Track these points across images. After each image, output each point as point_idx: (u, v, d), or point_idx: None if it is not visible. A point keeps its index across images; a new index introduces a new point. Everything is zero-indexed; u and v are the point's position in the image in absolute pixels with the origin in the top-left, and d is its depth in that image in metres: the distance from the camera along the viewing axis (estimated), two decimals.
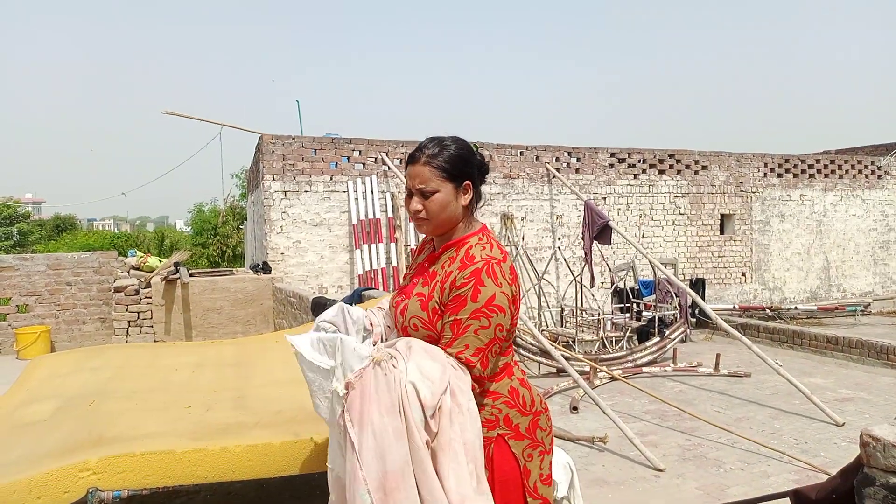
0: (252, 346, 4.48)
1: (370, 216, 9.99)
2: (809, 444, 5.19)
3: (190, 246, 26.05)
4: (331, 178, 10.00)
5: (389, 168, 10.12)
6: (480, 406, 1.78)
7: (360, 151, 10.20)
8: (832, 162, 14.00)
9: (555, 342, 8.39)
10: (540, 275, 10.52)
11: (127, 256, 10.86)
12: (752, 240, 13.02)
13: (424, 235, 2.02)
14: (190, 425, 2.70)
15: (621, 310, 9.99)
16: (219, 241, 25.88)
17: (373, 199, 10.03)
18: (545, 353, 7.30)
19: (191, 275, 9.69)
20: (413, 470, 1.58)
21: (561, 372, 7.26)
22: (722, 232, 12.82)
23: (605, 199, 11.70)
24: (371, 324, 2.03)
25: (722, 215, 12.80)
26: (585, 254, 9.01)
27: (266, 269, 9.74)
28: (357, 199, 9.97)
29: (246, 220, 16.68)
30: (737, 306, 12.10)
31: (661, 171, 12.22)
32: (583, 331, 9.49)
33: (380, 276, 9.86)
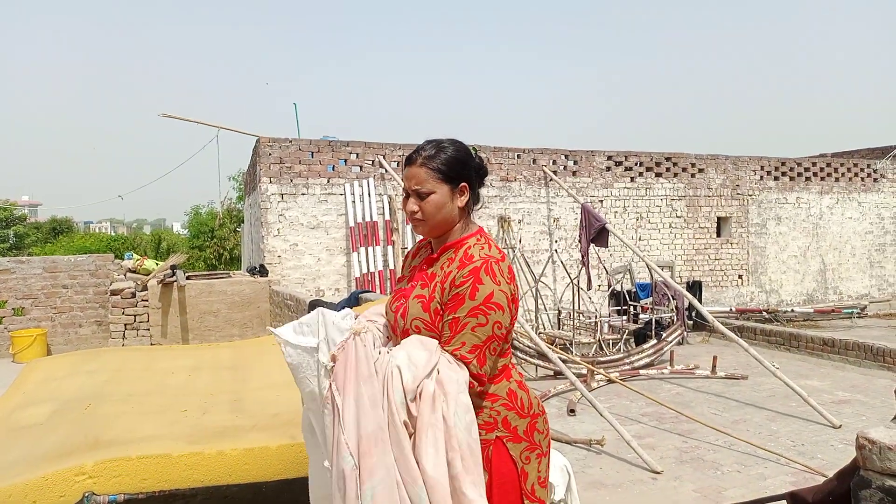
0: (249, 350, 4.47)
1: (367, 219, 9.98)
2: (806, 447, 5.20)
3: (187, 249, 25.99)
4: (328, 181, 10.00)
5: (387, 171, 10.12)
6: (479, 408, 1.79)
7: (357, 154, 10.20)
8: (828, 165, 14.04)
9: (552, 345, 8.39)
10: (537, 277, 10.53)
11: (123, 259, 10.84)
12: (749, 242, 13.04)
13: (421, 238, 2.03)
14: (186, 429, 2.69)
15: (618, 312, 10.00)
16: (216, 243, 25.84)
17: (370, 202, 10.02)
18: (542, 356, 7.30)
19: (187, 278, 9.68)
20: (392, 448, 1.64)
21: (558, 374, 7.27)
22: (718, 235, 12.84)
23: (601, 201, 11.71)
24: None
25: (718, 218, 12.82)
26: (582, 256, 9.02)
27: (263, 271, 9.73)
28: (354, 201, 9.96)
29: (243, 222, 16.67)
30: (733, 309, 12.11)
31: (658, 174, 12.24)
32: (580, 333, 9.50)
33: (377, 279, 9.85)
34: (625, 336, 9.36)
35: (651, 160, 12.19)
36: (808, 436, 5.48)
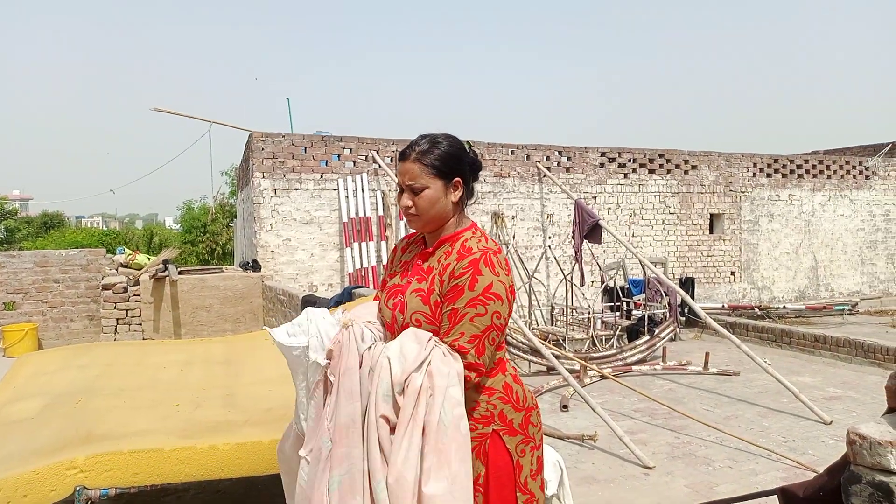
0: (241, 345, 4.46)
1: (360, 214, 9.97)
2: (797, 442, 5.22)
3: (179, 243, 25.90)
4: (321, 176, 9.97)
5: (380, 166, 10.10)
6: (476, 402, 1.79)
7: (350, 149, 10.18)
8: (820, 162, 14.10)
9: (545, 341, 8.40)
10: (530, 273, 10.54)
11: (115, 254, 10.78)
12: (742, 239, 13.09)
13: (414, 232, 2.03)
14: (179, 423, 2.69)
15: (611, 308, 10.02)
16: (208, 238, 25.78)
17: (363, 197, 10.00)
18: (535, 352, 7.31)
19: (180, 272, 9.64)
20: (363, 441, 1.68)
21: (551, 370, 7.28)
22: (711, 231, 12.88)
23: (595, 198, 11.72)
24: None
25: (711, 215, 12.86)
26: (576, 252, 9.03)
27: (256, 266, 9.70)
28: (347, 196, 9.94)
29: (235, 217, 16.61)
30: (726, 305, 12.16)
31: (652, 171, 12.27)
32: (573, 329, 9.52)
33: (370, 275, 9.84)
34: (617, 332, 9.38)
35: (644, 157, 12.21)
36: (800, 432, 5.50)
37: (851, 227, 14.38)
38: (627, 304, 9.87)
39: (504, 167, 11.05)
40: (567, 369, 6.12)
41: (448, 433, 1.65)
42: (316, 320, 1.85)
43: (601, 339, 9.28)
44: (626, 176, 12.04)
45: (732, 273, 12.99)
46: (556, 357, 6.63)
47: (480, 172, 2.01)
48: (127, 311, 9.32)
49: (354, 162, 10.19)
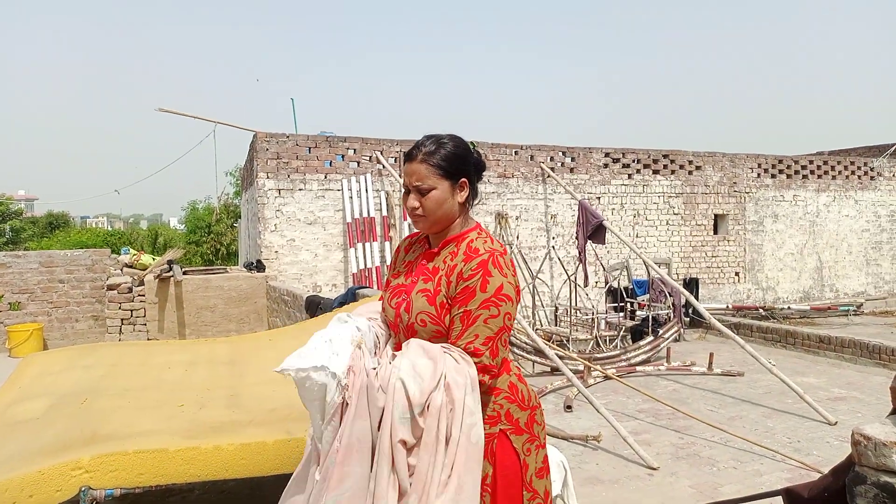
0: (246, 345, 4.46)
1: (364, 215, 9.97)
2: (802, 443, 5.21)
3: (184, 244, 25.95)
4: (325, 177, 9.98)
5: (384, 166, 10.10)
6: (484, 403, 1.77)
7: (354, 150, 10.18)
8: (825, 163, 14.06)
9: (549, 341, 8.40)
10: (534, 274, 10.53)
11: (120, 254, 10.81)
12: (746, 240, 13.06)
13: (417, 232, 2.03)
14: (183, 423, 2.69)
15: (615, 309, 10.01)
16: (213, 239, 25.81)
17: (367, 198, 10.01)
18: (539, 352, 7.31)
19: (184, 273, 9.66)
20: (373, 461, 1.64)
21: (555, 371, 7.28)
22: (715, 232, 12.85)
23: (599, 198, 11.71)
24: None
25: (715, 215, 12.83)
26: (579, 253, 9.02)
27: (260, 267, 9.72)
28: (351, 197, 9.95)
29: (240, 218, 16.65)
30: (730, 306, 12.14)
31: (656, 171, 12.25)
32: (577, 330, 9.51)
33: (374, 275, 9.85)
34: (621, 333, 9.37)
35: (649, 157, 12.19)
36: (804, 432, 5.49)
37: (856, 228, 14.34)
38: (631, 304, 9.86)
39: (508, 168, 11.05)
40: (571, 370, 6.13)
41: (460, 444, 1.66)
42: (334, 338, 1.75)
43: (605, 340, 9.27)
44: (630, 176, 12.02)
45: (737, 274, 12.96)
46: (560, 357, 6.63)
47: (484, 173, 2.02)
48: (132, 311, 9.35)
49: (358, 162, 10.19)
